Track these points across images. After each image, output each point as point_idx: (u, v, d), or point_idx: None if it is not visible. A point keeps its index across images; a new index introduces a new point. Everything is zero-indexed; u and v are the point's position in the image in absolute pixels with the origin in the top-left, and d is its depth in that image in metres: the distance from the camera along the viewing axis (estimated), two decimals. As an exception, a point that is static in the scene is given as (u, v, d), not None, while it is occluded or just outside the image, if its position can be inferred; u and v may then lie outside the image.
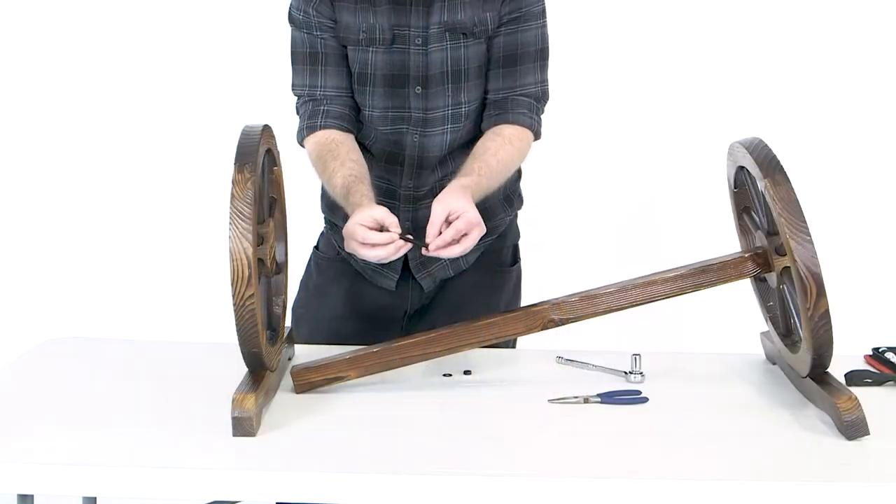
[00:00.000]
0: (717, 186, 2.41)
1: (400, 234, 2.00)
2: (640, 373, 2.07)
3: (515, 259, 2.46)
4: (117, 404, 1.98)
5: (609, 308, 2.01)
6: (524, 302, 2.14)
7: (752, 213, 2.10)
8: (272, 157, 2.08)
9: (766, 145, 1.92)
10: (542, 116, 2.30)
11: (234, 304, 1.80)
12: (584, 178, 3.65)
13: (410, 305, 2.40)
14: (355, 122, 2.31)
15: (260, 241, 1.94)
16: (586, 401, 1.96)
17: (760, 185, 1.90)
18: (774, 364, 2.18)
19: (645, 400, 1.99)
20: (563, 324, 2.00)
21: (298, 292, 2.43)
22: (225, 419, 1.84)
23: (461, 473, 1.69)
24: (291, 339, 2.23)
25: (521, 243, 2.50)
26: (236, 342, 1.87)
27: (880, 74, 3.59)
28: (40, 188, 3.68)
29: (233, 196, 1.80)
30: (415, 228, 2.29)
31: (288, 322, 2.23)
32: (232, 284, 1.80)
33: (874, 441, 1.81)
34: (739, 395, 2.04)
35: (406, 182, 2.32)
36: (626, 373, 2.08)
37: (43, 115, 3.64)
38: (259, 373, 1.91)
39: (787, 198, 1.83)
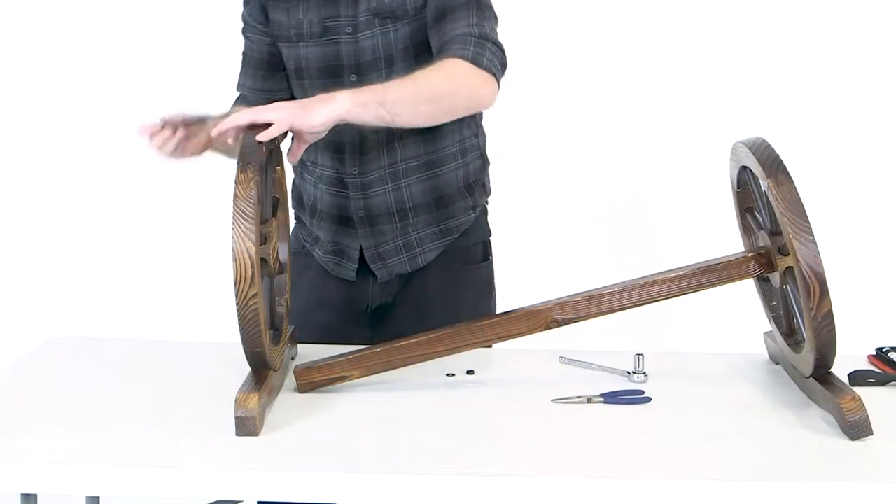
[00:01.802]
0: (719, 185, 2.41)
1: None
2: (644, 373, 2.07)
3: (486, 256, 2.41)
4: (120, 404, 1.97)
5: (612, 308, 2.00)
6: (514, 302, 2.12)
7: (756, 213, 2.10)
8: (275, 157, 2.07)
9: (769, 145, 1.92)
10: (487, 53, 2.10)
11: (238, 304, 1.80)
12: (582, 175, 3.64)
13: (371, 300, 2.37)
14: None
15: (263, 240, 1.93)
16: (589, 401, 1.96)
17: (763, 184, 1.90)
18: (777, 364, 2.17)
19: (648, 400, 1.98)
20: (566, 324, 1.99)
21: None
22: (228, 419, 1.84)
23: (464, 473, 1.69)
24: (294, 339, 2.22)
25: (516, 239, 2.51)
26: (239, 342, 1.87)
27: (883, 74, 3.59)
28: (42, 188, 3.68)
29: (236, 196, 1.80)
30: (368, 216, 2.30)
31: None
32: (235, 284, 1.79)
33: (878, 441, 1.80)
34: (742, 395, 2.03)
35: (351, 169, 2.30)
36: (629, 373, 2.08)
37: (44, 116, 3.64)
38: (262, 373, 1.91)
39: (790, 197, 1.82)
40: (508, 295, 2.43)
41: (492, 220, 2.45)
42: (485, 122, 2.42)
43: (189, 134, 2.10)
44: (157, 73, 3.61)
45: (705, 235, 2.99)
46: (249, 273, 1.79)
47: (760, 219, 2.07)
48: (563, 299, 2.01)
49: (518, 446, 1.81)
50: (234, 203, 1.80)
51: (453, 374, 2.10)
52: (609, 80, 3.59)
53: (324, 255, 2.38)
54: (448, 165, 2.32)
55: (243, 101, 2.33)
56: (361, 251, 2.33)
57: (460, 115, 2.16)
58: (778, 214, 1.85)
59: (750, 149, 1.94)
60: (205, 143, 2.11)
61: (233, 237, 1.78)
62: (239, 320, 1.82)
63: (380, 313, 2.37)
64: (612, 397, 1.98)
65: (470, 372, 2.12)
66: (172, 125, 2.08)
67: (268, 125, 1.96)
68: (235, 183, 1.81)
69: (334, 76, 2.22)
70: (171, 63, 3.61)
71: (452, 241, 2.35)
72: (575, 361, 2.15)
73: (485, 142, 2.40)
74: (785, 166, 1.86)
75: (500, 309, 2.39)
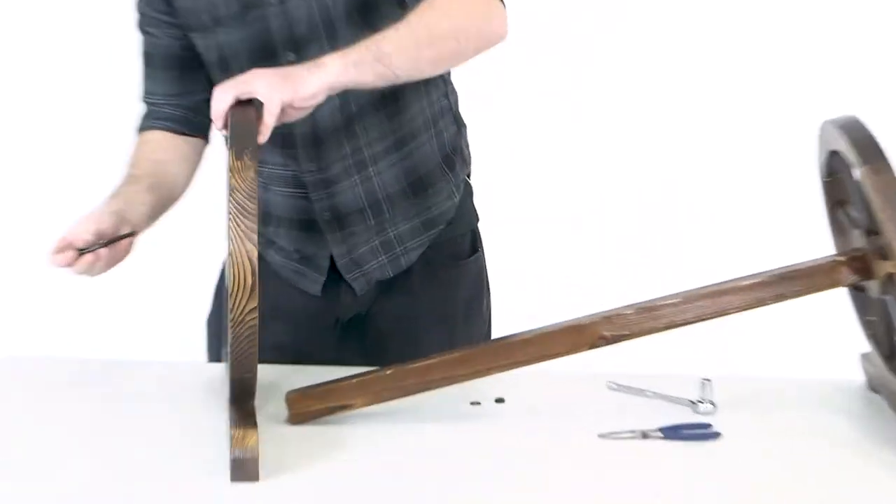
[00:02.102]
0: (800, 175, 2.28)
1: (81, 249, 1.79)
2: (711, 402, 1.89)
3: (475, 247, 2.22)
4: (70, 442, 1.76)
5: (672, 322, 1.82)
6: (510, 301, 2.02)
7: (848, 208, 1.91)
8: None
9: (863, 125, 1.77)
10: None
11: (231, 319, 1.62)
12: (614, 157, 3.52)
13: (343, 312, 2.14)
14: (194, 123, 2.06)
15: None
16: (645, 436, 1.80)
17: (856, 173, 1.74)
18: (877, 392, 1.98)
19: (717, 435, 1.82)
20: (617, 341, 1.82)
21: (212, 303, 2.18)
22: (212, 458, 1.65)
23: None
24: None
25: (506, 225, 2.32)
26: (198, 360, 1.75)
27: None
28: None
29: (233, 188, 1.63)
30: (337, 218, 2.08)
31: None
32: (231, 296, 1.62)
33: None
34: (833, 430, 1.86)
35: (307, 165, 2.05)
36: (693, 402, 1.91)
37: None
38: (248, 402, 1.71)
39: (890, 188, 1.70)
40: (503, 293, 2.31)
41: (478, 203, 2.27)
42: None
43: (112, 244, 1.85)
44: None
45: (776, 233, 2.95)
46: (249, 281, 1.62)
47: (854, 215, 1.89)
48: (612, 312, 1.82)
49: (558, 492, 1.67)
50: (231, 196, 1.63)
51: (479, 403, 1.91)
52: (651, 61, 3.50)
53: (282, 259, 2.15)
54: (420, 138, 2.09)
55: (152, 117, 2.05)
56: (332, 259, 2.12)
57: (471, 55, 1.92)
58: (876, 209, 1.71)
59: (841, 129, 1.79)
60: (131, 242, 1.88)
61: (230, 238, 1.62)
62: (231, 339, 1.63)
63: (352, 327, 2.16)
64: (672, 432, 1.82)
65: (499, 400, 1.92)
66: (86, 243, 1.81)
67: (249, 101, 1.76)
68: (230, 172, 1.64)
69: (267, 59, 1.95)
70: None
71: (437, 233, 2.15)
72: (627, 388, 1.98)
73: (457, 102, 2.18)
74: (883, 151, 1.73)
75: (494, 310, 2.28)
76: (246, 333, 1.63)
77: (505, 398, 1.93)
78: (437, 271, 2.15)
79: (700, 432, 1.81)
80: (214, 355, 2.10)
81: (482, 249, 2.23)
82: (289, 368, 1.96)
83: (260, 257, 1.91)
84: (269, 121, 1.74)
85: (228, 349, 1.64)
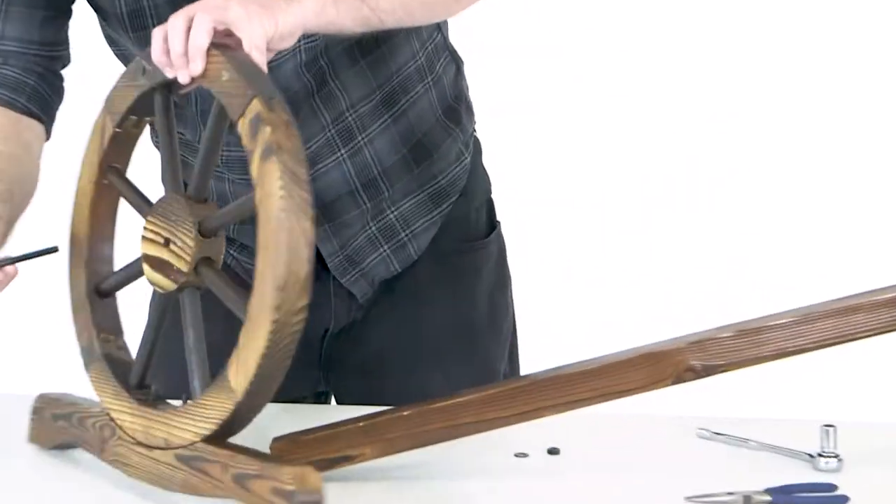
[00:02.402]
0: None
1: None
2: (835, 455, 1.62)
3: (492, 223, 1.93)
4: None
5: (782, 350, 1.53)
6: (534, 297, 1.81)
7: None
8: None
9: None
10: None
11: (275, 322, 1.32)
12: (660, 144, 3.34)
13: (335, 321, 1.85)
14: (45, 98, 1.74)
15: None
16: (748, 500, 1.54)
17: None
18: None
19: (844, 500, 1.54)
20: (709, 374, 1.54)
21: (145, 332, 1.73)
22: None
23: None
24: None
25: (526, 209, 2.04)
26: None
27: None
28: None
29: (278, 147, 1.33)
30: (322, 206, 1.77)
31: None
32: (278, 290, 1.33)
33: None
34: None
35: None
36: (811, 455, 1.64)
37: None
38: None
39: None
40: (523, 286, 2.03)
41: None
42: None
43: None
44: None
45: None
46: (303, 273, 1.33)
47: None
48: (703, 335, 1.54)
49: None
50: (278, 158, 1.34)
51: (525, 455, 1.63)
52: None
53: (249, 259, 1.84)
54: (415, 90, 1.81)
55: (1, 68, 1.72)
56: (320, 260, 1.83)
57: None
58: None
59: None
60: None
61: (282, 212, 1.32)
62: (265, 351, 1.33)
63: (344, 338, 1.87)
64: (784, 495, 1.53)
65: (553, 451, 1.64)
66: None
67: (226, 44, 1.46)
68: (262, 127, 1.35)
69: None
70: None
71: (450, 207, 1.87)
72: (722, 436, 1.72)
73: (448, 32, 1.90)
74: None
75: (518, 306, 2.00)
76: (285, 342, 1.32)
77: (560, 448, 1.64)
78: (449, 259, 1.86)
79: (822, 496, 1.53)
80: (164, 389, 1.67)
81: (499, 224, 1.96)
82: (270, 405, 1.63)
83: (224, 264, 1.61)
84: (261, 60, 1.43)
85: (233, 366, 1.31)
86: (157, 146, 1.71)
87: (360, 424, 1.49)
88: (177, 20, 1.43)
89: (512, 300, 1.97)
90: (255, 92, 1.36)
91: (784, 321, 1.51)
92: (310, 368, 1.84)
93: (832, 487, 1.54)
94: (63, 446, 1.55)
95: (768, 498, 1.52)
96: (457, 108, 1.90)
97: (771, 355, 1.53)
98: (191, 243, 1.40)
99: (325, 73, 1.74)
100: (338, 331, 1.86)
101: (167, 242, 1.43)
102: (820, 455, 1.61)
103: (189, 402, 1.38)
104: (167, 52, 1.42)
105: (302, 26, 1.51)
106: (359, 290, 1.83)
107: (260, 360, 1.30)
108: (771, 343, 1.52)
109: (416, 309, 1.86)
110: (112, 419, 1.45)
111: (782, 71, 3.40)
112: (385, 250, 1.84)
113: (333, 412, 1.69)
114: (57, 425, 1.54)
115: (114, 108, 1.52)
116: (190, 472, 1.36)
